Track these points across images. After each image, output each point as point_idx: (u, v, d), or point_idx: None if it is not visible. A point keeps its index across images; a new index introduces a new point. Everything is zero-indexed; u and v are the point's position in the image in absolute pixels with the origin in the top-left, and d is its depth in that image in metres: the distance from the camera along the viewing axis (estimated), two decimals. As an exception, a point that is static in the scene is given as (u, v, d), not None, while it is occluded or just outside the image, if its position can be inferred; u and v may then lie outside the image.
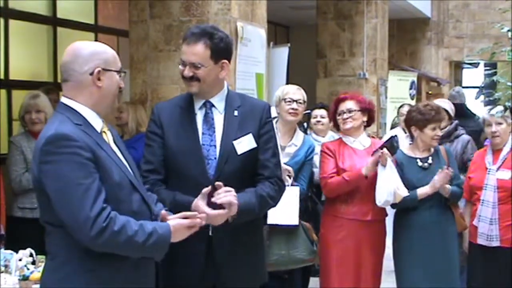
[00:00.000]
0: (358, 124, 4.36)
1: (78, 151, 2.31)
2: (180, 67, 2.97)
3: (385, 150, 4.15)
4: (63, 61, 2.46)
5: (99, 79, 2.44)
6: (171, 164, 2.96)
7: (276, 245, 4.16)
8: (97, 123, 2.48)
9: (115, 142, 2.56)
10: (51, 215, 2.37)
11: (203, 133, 2.98)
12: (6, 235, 4.47)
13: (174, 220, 2.51)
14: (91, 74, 2.42)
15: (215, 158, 2.94)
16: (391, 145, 4.20)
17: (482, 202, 4.39)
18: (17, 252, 3.41)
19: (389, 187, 4.13)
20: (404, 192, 4.18)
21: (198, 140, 2.96)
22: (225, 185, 2.84)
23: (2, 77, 6.34)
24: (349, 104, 4.35)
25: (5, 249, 3.44)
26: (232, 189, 2.83)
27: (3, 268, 3.32)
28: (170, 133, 2.97)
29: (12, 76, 6.42)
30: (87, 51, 2.45)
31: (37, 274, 3.29)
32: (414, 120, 4.41)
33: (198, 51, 2.91)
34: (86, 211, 2.28)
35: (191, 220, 2.53)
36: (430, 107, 4.43)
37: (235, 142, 2.96)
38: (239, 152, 2.96)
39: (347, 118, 4.33)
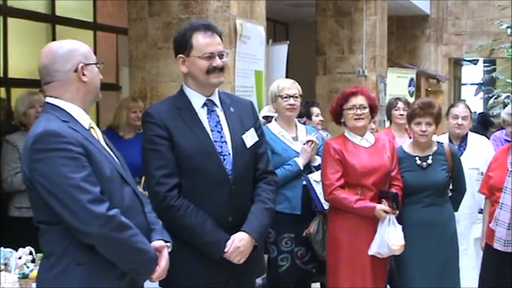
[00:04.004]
0: (368, 121, 4.20)
1: (68, 146, 2.33)
2: (203, 61, 2.96)
3: (388, 207, 4.00)
4: (42, 65, 2.51)
5: (83, 74, 2.49)
6: (185, 165, 2.96)
7: None
8: (85, 119, 2.51)
9: (104, 139, 2.58)
10: (45, 213, 2.38)
11: (211, 130, 3.02)
12: (4, 235, 4.46)
13: (164, 261, 2.55)
14: (75, 70, 2.47)
15: (229, 154, 3.00)
16: (392, 200, 4.04)
17: (501, 206, 4.19)
18: (16, 250, 3.40)
19: (383, 241, 4.00)
20: (395, 245, 3.99)
21: (210, 138, 2.99)
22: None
23: (1, 75, 6.33)
24: (361, 100, 4.13)
25: (5, 248, 3.43)
26: (244, 244, 2.94)
27: (2, 267, 3.31)
28: (179, 135, 2.96)
29: (11, 74, 6.42)
30: (65, 50, 2.49)
31: (36, 272, 3.28)
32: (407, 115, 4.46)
33: (220, 41, 3.02)
34: (84, 203, 2.29)
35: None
36: (420, 103, 4.39)
37: (243, 136, 3.05)
38: (248, 146, 3.05)
39: (361, 115, 4.10)
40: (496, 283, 4.29)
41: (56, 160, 2.31)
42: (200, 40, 2.97)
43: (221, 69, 2.99)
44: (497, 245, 4.21)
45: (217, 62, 2.97)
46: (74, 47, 2.51)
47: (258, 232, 3.00)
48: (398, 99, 5.76)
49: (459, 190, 4.48)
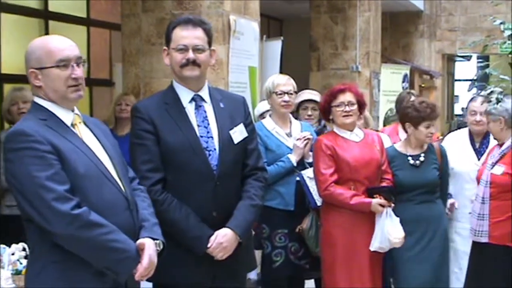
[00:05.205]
0: (356, 118, 4.20)
1: (34, 145, 2.33)
2: (177, 54, 2.99)
3: (383, 200, 4.00)
4: None
5: (37, 79, 2.47)
6: (171, 160, 2.97)
7: None
8: (67, 116, 2.50)
9: (96, 136, 2.56)
10: (23, 210, 2.39)
11: (198, 126, 3.02)
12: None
13: (146, 259, 2.44)
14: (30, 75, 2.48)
15: (215, 149, 3.00)
16: (387, 194, 4.05)
17: (476, 197, 4.28)
18: (9, 246, 3.40)
19: (383, 235, 3.99)
20: (396, 239, 3.99)
21: (195, 133, 2.99)
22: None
23: (-6, 71, 6.31)
24: (349, 96, 4.12)
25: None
26: (226, 240, 2.93)
27: (-4, 263, 3.31)
28: (165, 130, 2.97)
29: (4, 70, 6.39)
30: (27, 52, 2.49)
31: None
32: (409, 117, 4.36)
33: (200, 35, 3.01)
34: (48, 202, 2.28)
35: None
36: (425, 105, 4.36)
37: (231, 132, 3.04)
38: (235, 142, 3.05)
39: (349, 112, 4.10)
40: (476, 275, 4.33)
41: (23, 160, 2.32)
42: (178, 32, 3.01)
43: (194, 63, 2.98)
44: (470, 236, 4.32)
45: (189, 55, 2.97)
46: (31, 50, 2.48)
47: (243, 229, 2.99)
48: (410, 93, 5.61)
49: (443, 190, 4.48)
